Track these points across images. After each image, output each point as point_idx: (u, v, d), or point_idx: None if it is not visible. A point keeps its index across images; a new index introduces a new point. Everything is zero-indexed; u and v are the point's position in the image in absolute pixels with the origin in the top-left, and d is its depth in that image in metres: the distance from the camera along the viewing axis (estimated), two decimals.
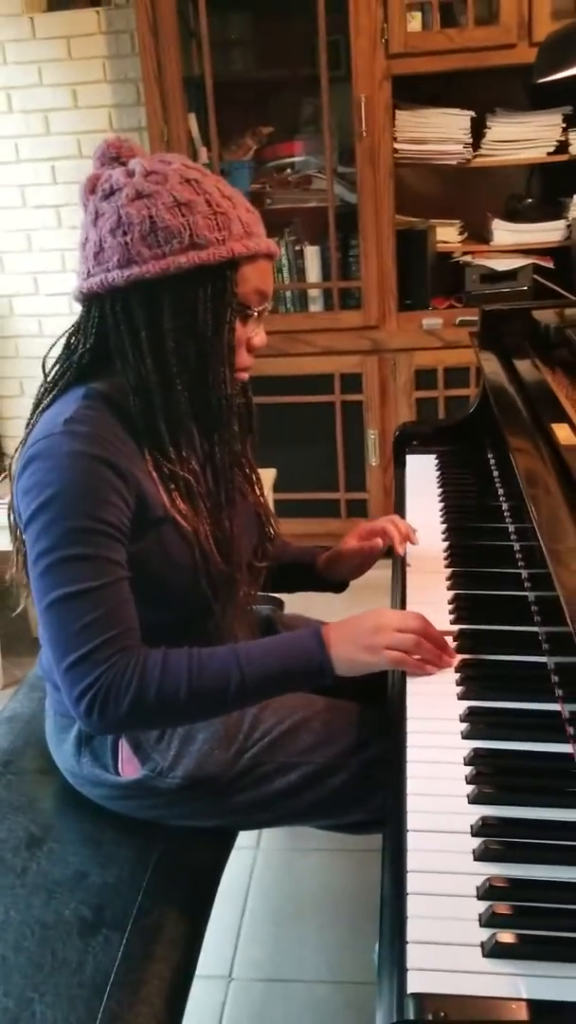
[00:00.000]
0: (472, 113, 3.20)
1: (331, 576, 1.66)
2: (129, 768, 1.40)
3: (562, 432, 1.33)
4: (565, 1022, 0.71)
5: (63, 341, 1.38)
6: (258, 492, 1.56)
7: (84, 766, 1.43)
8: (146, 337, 1.28)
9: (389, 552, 1.65)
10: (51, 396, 1.35)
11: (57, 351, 1.39)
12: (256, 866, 2.16)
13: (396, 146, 3.20)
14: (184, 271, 1.24)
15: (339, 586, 1.69)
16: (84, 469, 1.23)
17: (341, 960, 1.88)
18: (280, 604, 2.08)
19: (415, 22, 3.09)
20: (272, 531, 1.58)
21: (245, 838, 2.21)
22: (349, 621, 1.29)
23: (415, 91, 3.22)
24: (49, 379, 1.38)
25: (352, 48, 3.08)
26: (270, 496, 2.91)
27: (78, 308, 1.36)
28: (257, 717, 1.41)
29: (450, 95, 3.21)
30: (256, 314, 1.35)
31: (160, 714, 1.25)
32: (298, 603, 2.22)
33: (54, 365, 1.38)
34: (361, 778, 1.37)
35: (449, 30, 3.07)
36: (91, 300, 1.31)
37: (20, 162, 3.65)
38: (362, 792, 1.37)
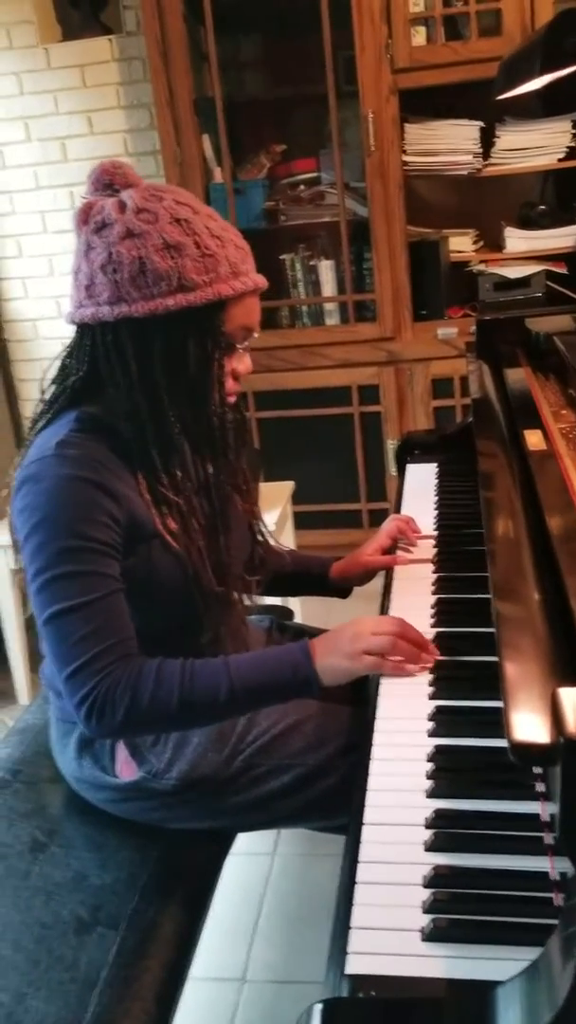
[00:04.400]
0: (481, 123, 3.22)
1: (344, 583, 1.75)
2: (127, 770, 1.45)
3: (533, 438, 1.37)
4: (482, 999, 0.75)
5: (58, 364, 1.44)
6: (252, 503, 1.61)
7: (85, 769, 1.49)
8: (136, 370, 1.33)
9: None
10: (46, 418, 1.41)
11: (53, 372, 1.44)
12: (273, 872, 2.20)
13: (406, 159, 3.24)
14: (172, 312, 1.29)
15: (346, 592, 1.77)
16: (74, 491, 1.29)
17: None
18: (289, 614, 2.12)
19: (419, 36, 3.13)
20: (264, 541, 1.63)
21: (262, 844, 2.25)
22: (331, 633, 1.35)
23: (426, 104, 3.26)
24: (46, 400, 1.44)
25: (358, 64, 3.13)
26: (288, 508, 2.95)
27: None
28: (251, 720, 1.45)
29: (463, 106, 3.23)
30: (242, 348, 1.40)
31: (154, 721, 1.31)
32: (318, 614, 2.25)
33: (50, 386, 1.44)
34: (352, 780, 1.41)
35: (453, 43, 3.11)
36: (83, 327, 1.37)
37: (39, 189, 3.74)
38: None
